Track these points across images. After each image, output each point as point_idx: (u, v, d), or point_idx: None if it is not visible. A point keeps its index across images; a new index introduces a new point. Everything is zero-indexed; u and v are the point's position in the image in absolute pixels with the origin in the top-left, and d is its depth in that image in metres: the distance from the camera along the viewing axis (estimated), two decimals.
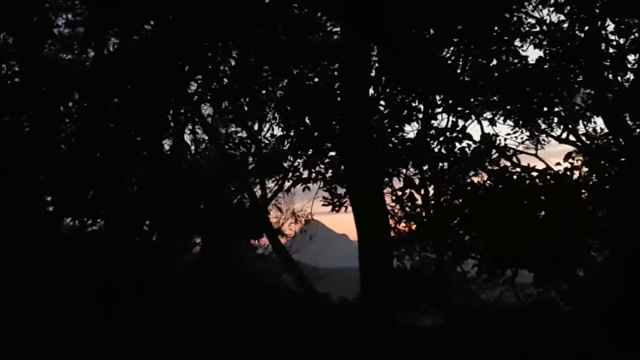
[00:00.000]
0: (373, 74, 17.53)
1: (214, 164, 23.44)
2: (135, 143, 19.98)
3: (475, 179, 18.53)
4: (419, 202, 19.44)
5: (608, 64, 18.03)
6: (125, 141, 19.47)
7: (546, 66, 17.96)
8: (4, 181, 18.65)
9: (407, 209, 19.60)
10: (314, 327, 18.50)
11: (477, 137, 18.45)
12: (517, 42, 18.19)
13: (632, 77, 18.25)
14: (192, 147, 24.19)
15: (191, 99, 21.12)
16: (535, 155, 21.11)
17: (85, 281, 17.68)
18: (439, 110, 18.54)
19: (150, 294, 18.18)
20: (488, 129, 19.69)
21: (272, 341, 17.48)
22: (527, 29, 18.22)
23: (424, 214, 19.78)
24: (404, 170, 18.23)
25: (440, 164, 18.53)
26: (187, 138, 23.64)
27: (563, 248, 16.74)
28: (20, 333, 16.26)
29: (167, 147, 21.86)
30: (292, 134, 19.79)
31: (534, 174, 17.93)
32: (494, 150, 18.50)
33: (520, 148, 20.95)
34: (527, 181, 17.81)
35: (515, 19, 17.92)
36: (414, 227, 19.85)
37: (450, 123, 18.11)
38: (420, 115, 18.53)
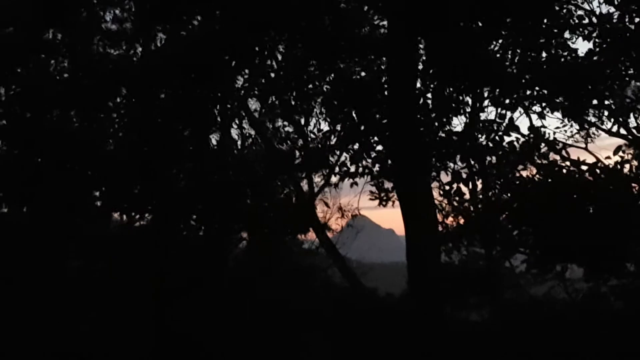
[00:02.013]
0: (420, 67, 17.47)
1: (260, 159, 23.46)
2: (182, 138, 20.08)
3: (524, 173, 18.42)
4: (467, 196, 19.34)
5: None
6: (172, 136, 19.58)
7: (596, 58, 17.76)
8: (53, 176, 18.84)
9: (455, 203, 19.49)
10: (363, 322, 18.47)
11: (525, 131, 18.37)
12: (567, 35, 18.02)
13: None
14: (239, 142, 24.26)
15: (238, 94, 21.18)
16: (585, 148, 20.87)
17: (136, 276, 17.83)
18: (487, 103, 18.46)
19: (201, 288, 18.27)
20: (537, 123, 19.54)
21: (321, 335, 17.50)
22: (576, 21, 18.02)
23: (472, 208, 19.66)
24: (451, 164, 18.15)
25: (489, 158, 18.42)
26: (234, 133, 23.72)
27: (613, 242, 16.56)
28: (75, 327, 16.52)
29: (214, 141, 21.96)
30: (339, 128, 19.78)
31: (584, 167, 17.77)
32: (543, 144, 18.35)
33: (570, 141, 20.76)
34: (577, 175, 17.66)
35: (564, 11, 17.73)
36: (462, 221, 19.74)
37: (498, 116, 18.03)
38: (468, 109, 18.42)
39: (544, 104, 18.68)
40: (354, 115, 18.72)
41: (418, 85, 17.42)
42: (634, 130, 19.32)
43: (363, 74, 19.52)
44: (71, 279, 17.77)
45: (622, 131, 19.66)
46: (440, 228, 18.59)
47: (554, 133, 19.53)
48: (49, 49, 21.38)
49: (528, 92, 18.09)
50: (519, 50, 17.83)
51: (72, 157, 18.95)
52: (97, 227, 19.93)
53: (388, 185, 19.11)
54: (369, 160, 19.04)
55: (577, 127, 20.45)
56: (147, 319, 17.38)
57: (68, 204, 18.91)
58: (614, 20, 17.62)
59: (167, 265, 18.10)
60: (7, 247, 18.36)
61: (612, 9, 17.71)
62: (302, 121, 23.31)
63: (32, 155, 19.46)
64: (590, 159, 18.65)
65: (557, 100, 18.29)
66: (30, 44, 20.48)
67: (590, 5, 18.52)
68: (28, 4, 20.56)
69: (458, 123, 18.97)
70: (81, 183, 19.39)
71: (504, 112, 17.84)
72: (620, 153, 17.89)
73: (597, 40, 17.79)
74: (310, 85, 20.32)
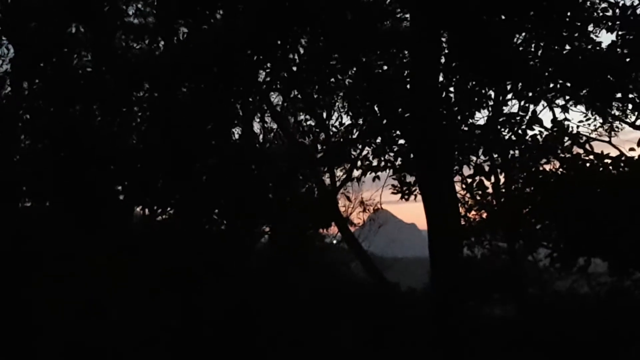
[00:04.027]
0: (443, 60, 17.40)
1: (282, 153, 23.50)
2: (204, 132, 20.11)
3: (547, 167, 18.33)
4: (490, 190, 19.26)
5: None
6: (194, 130, 19.61)
7: (619, 51, 17.64)
8: (76, 170, 18.92)
9: (478, 197, 19.43)
10: (387, 317, 18.48)
11: (548, 125, 18.28)
12: (590, 27, 17.91)
13: None
14: (261, 136, 24.32)
15: (260, 88, 21.19)
16: (609, 142, 20.80)
17: (160, 270, 17.90)
18: (510, 96, 18.36)
19: (224, 281, 18.33)
20: (560, 116, 19.45)
21: (347, 329, 17.53)
22: (600, 13, 17.90)
23: (494, 202, 19.60)
24: (474, 158, 18.06)
25: (511, 152, 18.34)
26: (256, 127, 23.78)
27: (637, 236, 16.46)
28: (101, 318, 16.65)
29: (236, 136, 22.00)
30: (361, 122, 19.74)
31: (607, 161, 17.66)
32: (566, 138, 18.25)
33: (593, 135, 20.68)
34: (601, 169, 17.55)
35: (588, 3, 17.62)
36: (484, 215, 19.68)
37: (521, 109, 17.94)
38: (491, 102, 18.33)
39: (567, 97, 18.59)
40: (376, 109, 18.67)
41: (440, 79, 17.35)
42: None
43: (385, 67, 19.45)
44: (94, 272, 17.84)
45: None
46: (462, 222, 18.53)
47: (578, 127, 19.45)
48: (72, 43, 21.48)
49: (551, 85, 17.99)
50: (542, 43, 17.72)
51: (94, 152, 19.02)
52: (120, 220, 20.02)
53: (410, 179, 19.05)
54: (391, 154, 18.97)
55: (601, 121, 20.38)
56: (172, 311, 17.46)
57: (91, 198, 18.99)
58: (638, 12, 17.51)
59: (189, 258, 18.15)
60: (31, 240, 18.46)
61: (635, 1, 17.64)
62: (324, 115, 23.34)
63: (55, 149, 19.55)
64: (614, 153, 18.55)
65: (581, 94, 18.19)
66: (53, 39, 20.58)
67: None
68: None
69: (481, 116, 18.83)
70: (104, 177, 19.47)
71: (527, 105, 17.75)
72: None
73: (620, 32, 17.68)
74: (333, 79, 20.30)
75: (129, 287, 17.38)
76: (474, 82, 17.66)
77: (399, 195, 19.44)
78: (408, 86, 17.52)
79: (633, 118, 19.76)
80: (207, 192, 20.03)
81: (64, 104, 20.33)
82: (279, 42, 19.16)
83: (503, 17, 16.74)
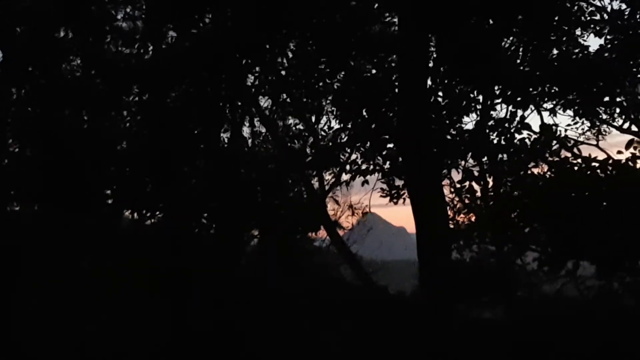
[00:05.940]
0: (431, 65, 17.43)
1: (272, 157, 23.49)
2: (193, 136, 20.11)
3: (536, 170, 18.37)
4: (478, 193, 19.30)
5: None
6: (184, 134, 19.61)
7: (607, 55, 17.72)
8: (65, 175, 18.88)
9: (466, 201, 19.46)
10: (376, 320, 18.48)
11: (537, 129, 18.34)
12: (578, 31, 18.00)
13: None
14: (250, 140, 24.30)
15: (249, 92, 21.19)
16: (597, 146, 20.85)
17: (148, 274, 17.88)
18: (498, 101, 18.41)
19: (213, 286, 18.31)
20: (548, 120, 19.48)
21: (335, 333, 17.52)
22: (587, 17, 17.99)
23: (483, 206, 19.62)
24: (462, 162, 18.10)
25: (500, 156, 18.38)
26: (245, 131, 23.76)
27: (625, 239, 16.50)
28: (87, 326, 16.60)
29: (225, 140, 21.98)
30: (349, 126, 19.77)
31: (595, 164, 17.71)
32: (554, 141, 18.30)
33: (581, 139, 20.73)
34: (588, 172, 17.59)
35: (576, 7, 17.70)
36: (473, 219, 19.70)
37: (509, 114, 18.02)
38: (479, 107, 18.38)
39: (555, 101, 18.67)
40: (365, 113, 18.69)
41: (429, 83, 17.38)
42: None
43: (374, 71, 19.48)
44: (83, 277, 17.81)
45: (634, 128, 19.62)
46: (451, 225, 18.55)
47: (566, 130, 19.53)
48: (61, 47, 21.45)
49: (539, 89, 18.06)
50: (530, 47, 17.80)
51: (83, 156, 19.00)
52: (108, 225, 20.00)
53: (399, 182, 19.08)
54: (380, 158, 19.00)
55: (589, 124, 20.43)
56: (161, 316, 17.42)
57: (79, 203, 18.96)
58: (625, 17, 17.59)
59: (179, 262, 18.13)
60: (18, 245, 18.42)
61: (623, 6, 17.70)
62: (313, 119, 23.35)
63: (44, 154, 19.52)
64: (602, 156, 18.60)
65: (569, 97, 18.26)
66: (42, 43, 20.54)
67: (602, 1, 18.53)
68: (42, 2, 20.63)
69: (469, 121, 18.88)
70: (93, 181, 19.44)
71: (515, 109, 17.82)
72: (632, 149, 17.80)
73: (608, 36, 17.77)
74: (321, 83, 20.30)
75: (117, 291, 17.35)
76: (462, 86, 17.71)
77: (388, 198, 19.46)
78: (397, 90, 17.55)
79: (620, 122, 19.81)
80: (197, 196, 20.02)
81: (53, 108, 20.29)
82: (267, 46, 19.20)
83: (491, 21, 16.79)
